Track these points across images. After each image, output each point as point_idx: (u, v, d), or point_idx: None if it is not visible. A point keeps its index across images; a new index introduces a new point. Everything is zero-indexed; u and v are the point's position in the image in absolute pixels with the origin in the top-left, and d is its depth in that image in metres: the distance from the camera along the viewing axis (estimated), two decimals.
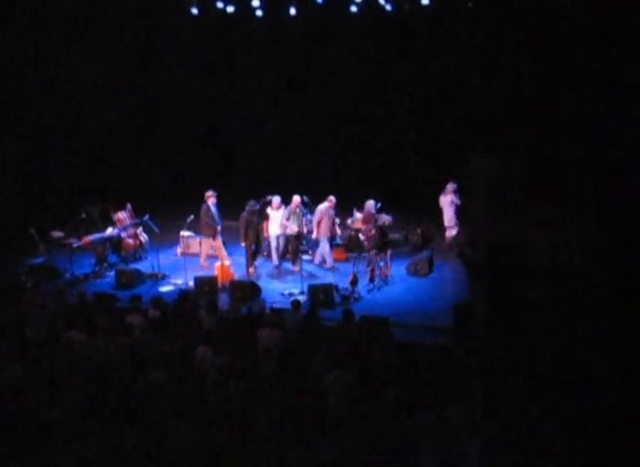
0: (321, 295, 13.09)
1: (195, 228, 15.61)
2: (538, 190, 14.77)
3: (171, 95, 20.78)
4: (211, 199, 15.00)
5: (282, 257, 15.35)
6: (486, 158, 14.59)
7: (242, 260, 14.87)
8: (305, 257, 15.31)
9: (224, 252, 15.17)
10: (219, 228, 15.04)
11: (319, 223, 14.90)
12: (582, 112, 15.42)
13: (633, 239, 12.43)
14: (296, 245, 15.26)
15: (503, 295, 11.14)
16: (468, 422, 7.34)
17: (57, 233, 15.36)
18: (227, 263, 14.69)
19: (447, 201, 15.58)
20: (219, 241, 15.09)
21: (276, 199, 15.14)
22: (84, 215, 15.56)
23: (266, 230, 15.46)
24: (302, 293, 13.55)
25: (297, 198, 15.12)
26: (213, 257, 15.32)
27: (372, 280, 13.99)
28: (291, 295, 13.51)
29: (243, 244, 14.78)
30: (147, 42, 20.29)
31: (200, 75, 20.79)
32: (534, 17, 16.37)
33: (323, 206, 15.00)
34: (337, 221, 15.66)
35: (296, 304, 11.53)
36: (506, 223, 13.33)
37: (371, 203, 14.23)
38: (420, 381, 8.63)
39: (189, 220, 15.63)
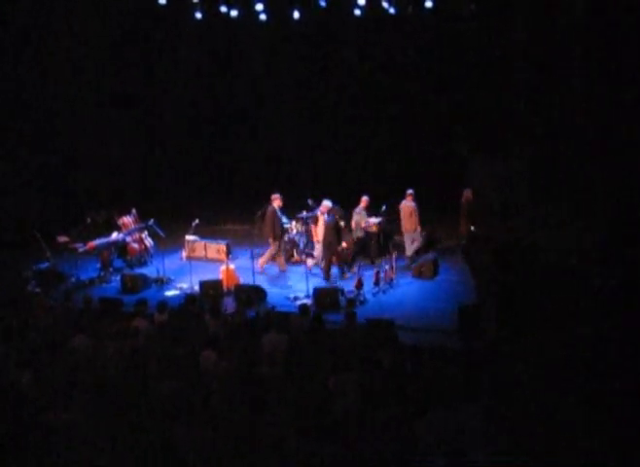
0: (327, 298, 13.14)
1: (258, 230, 15.67)
2: (545, 190, 15.23)
3: (176, 98, 20.79)
4: (277, 202, 15.00)
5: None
6: (492, 159, 15.01)
7: (247, 264, 14.75)
8: (310, 261, 15.32)
9: (283, 257, 15.25)
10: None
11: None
12: (584, 112, 15.46)
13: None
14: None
15: (511, 295, 11.25)
16: (476, 423, 7.43)
17: (63, 238, 15.31)
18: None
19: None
20: (277, 245, 15.10)
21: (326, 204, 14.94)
22: (89, 220, 15.64)
23: (317, 234, 15.38)
24: (307, 296, 13.56)
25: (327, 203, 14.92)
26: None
27: (377, 283, 14.01)
28: (296, 299, 13.55)
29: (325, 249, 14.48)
30: (151, 46, 20.31)
31: (205, 78, 20.78)
32: (534, 18, 16.29)
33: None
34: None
35: (304, 308, 11.55)
36: (513, 223, 14.30)
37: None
38: (427, 383, 8.64)
39: (194, 224, 15.79)
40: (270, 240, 15.15)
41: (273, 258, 15.31)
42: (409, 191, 15.46)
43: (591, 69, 15.15)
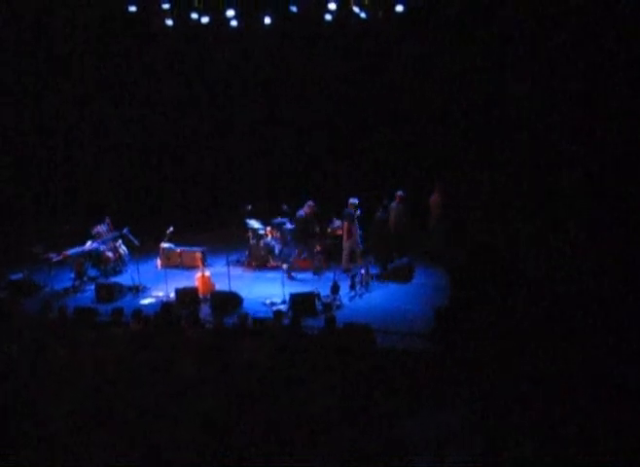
0: (303, 304, 13.11)
1: (295, 237, 15.80)
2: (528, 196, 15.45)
3: (148, 104, 20.71)
4: (311, 209, 15.30)
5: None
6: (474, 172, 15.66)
7: (224, 270, 14.67)
8: (285, 266, 15.31)
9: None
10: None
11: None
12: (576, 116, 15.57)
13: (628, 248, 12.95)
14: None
15: (485, 298, 11.47)
16: (455, 427, 7.46)
17: (37, 248, 15.18)
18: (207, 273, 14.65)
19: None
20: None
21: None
22: (62, 230, 15.66)
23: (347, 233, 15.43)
24: (283, 302, 13.55)
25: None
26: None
27: (353, 287, 14.09)
28: (273, 304, 13.55)
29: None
30: (121, 54, 20.25)
31: (176, 84, 20.71)
32: (518, 25, 16.32)
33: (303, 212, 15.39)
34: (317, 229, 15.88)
35: (278, 313, 11.52)
36: (489, 226, 14.49)
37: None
38: (405, 387, 8.67)
39: (169, 231, 15.81)
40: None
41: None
42: (399, 192, 15.64)
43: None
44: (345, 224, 15.20)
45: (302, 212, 15.50)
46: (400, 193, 15.63)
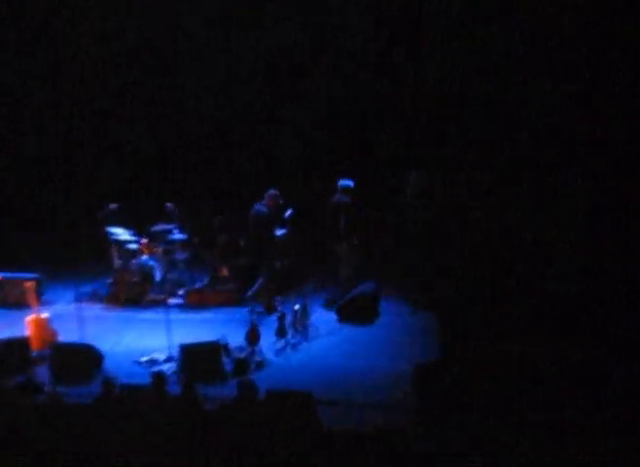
0: (201, 361, 12.95)
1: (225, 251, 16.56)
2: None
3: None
4: (275, 201, 15.99)
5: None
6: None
7: (71, 308, 14.88)
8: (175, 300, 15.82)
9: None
10: None
11: None
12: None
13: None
14: None
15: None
16: None
17: None
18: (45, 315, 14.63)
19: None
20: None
21: None
22: None
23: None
24: (170, 359, 13.41)
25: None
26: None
27: (281, 334, 14.02)
28: (153, 363, 13.43)
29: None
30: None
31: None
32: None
33: None
34: None
35: (159, 377, 11.30)
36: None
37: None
38: None
39: None
40: None
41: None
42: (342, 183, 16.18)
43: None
44: (340, 217, 15.57)
45: (261, 207, 15.83)
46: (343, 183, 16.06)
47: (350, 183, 15.74)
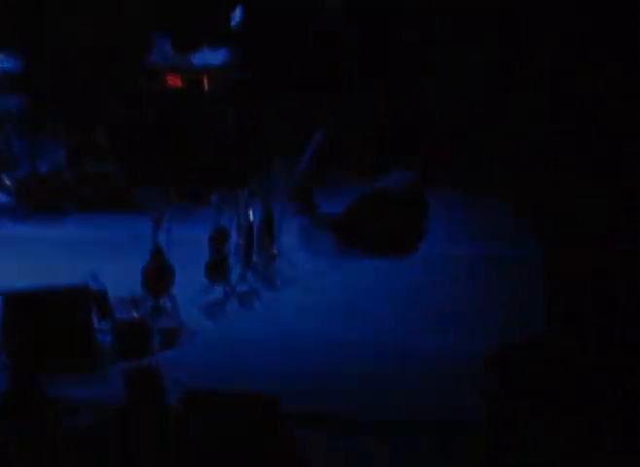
0: (51, 326, 9.63)
1: None
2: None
3: None
4: None
5: None
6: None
7: None
8: None
9: None
10: None
11: None
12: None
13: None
14: None
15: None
16: None
17: None
18: None
19: None
20: None
21: None
22: None
23: None
24: None
25: None
26: None
27: (219, 274, 10.76)
28: None
29: None
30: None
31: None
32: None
33: None
34: None
35: None
36: None
37: None
38: None
39: None
40: None
41: None
42: None
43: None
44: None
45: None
46: None
47: None
